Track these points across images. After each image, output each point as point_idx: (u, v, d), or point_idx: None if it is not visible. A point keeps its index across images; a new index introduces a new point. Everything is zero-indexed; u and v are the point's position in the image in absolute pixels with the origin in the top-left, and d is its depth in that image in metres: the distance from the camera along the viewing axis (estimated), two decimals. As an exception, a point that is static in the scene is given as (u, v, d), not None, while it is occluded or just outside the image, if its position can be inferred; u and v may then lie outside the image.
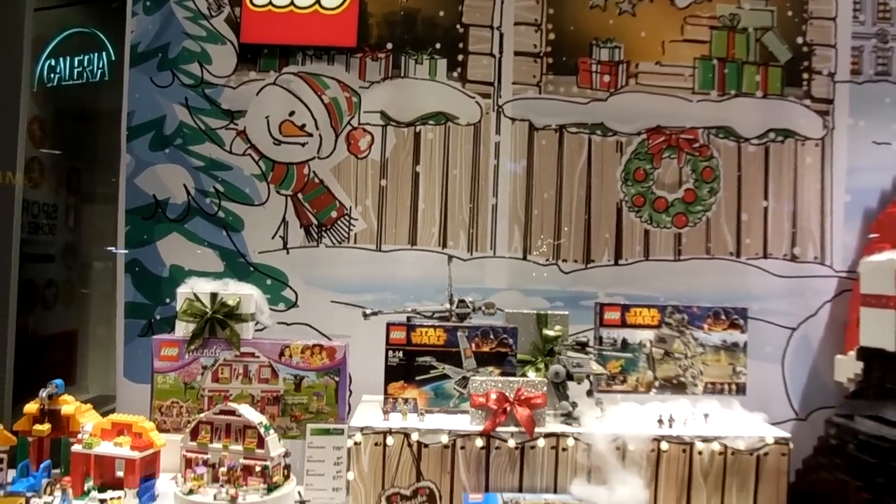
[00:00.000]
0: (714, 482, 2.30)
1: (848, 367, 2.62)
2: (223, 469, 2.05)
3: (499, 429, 2.27)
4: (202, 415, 2.18)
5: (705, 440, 2.30)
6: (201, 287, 2.48)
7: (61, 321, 3.51)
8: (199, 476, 2.06)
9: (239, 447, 2.08)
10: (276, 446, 2.06)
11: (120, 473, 2.16)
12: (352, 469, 2.25)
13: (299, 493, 2.11)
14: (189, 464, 2.14)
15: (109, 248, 2.91)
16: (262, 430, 2.05)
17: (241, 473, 2.04)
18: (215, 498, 1.99)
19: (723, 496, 2.30)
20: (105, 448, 2.17)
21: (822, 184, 2.95)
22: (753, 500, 2.31)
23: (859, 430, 2.32)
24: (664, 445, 2.28)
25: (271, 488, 2.03)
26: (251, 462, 2.05)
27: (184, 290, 2.48)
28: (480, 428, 2.27)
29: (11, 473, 2.21)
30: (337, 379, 2.41)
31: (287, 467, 2.14)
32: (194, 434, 2.17)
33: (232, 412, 2.10)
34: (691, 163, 2.94)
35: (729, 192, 2.95)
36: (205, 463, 2.12)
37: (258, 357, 2.42)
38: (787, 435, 2.34)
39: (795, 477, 2.42)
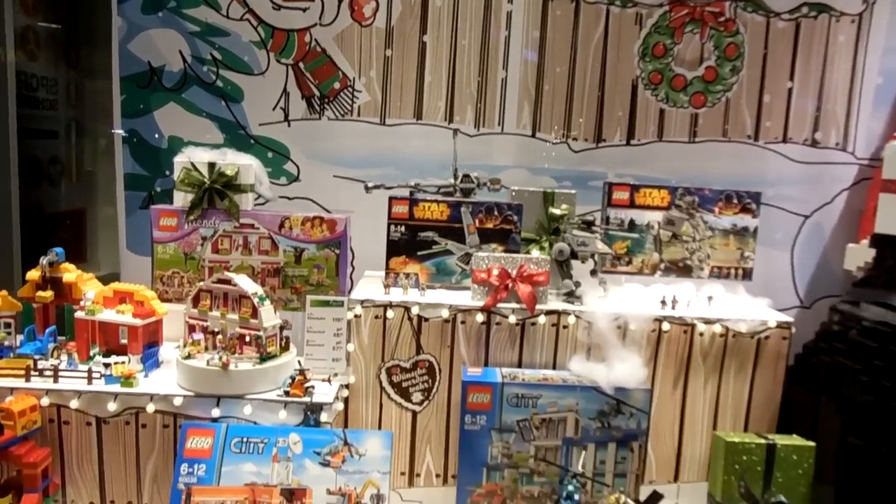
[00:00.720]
0: (713, 363, 2.31)
1: (859, 255, 2.57)
2: (220, 336, 2.06)
3: (500, 305, 2.26)
4: (202, 283, 2.17)
5: (707, 322, 2.28)
6: (199, 156, 2.41)
7: (68, 199, 3.46)
8: (197, 342, 2.08)
9: (235, 316, 2.07)
10: (270, 317, 2.05)
11: (124, 341, 2.18)
12: (352, 341, 2.26)
13: (299, 362, 2.12)
14: (191, 330, 2.16)
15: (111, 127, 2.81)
16: (255, 301, 2.04)
17: (237, 342, 2.05)
18: (208, 363, 2.00)
19: (720, 377, 2.31)
20: (108, 315, 2.18)
21: (854, 64, 2.78)
22: (751, 382, 2.32)
23: (863, 317, 2.29)
24: (665, 326, 2.27)
25: (264, 358, 2.04)
26: (246, 331, 2.05)
27: (181, 160, 2.42)
28: (481, 303, 2.25)
29: (19, 338, 2.23)
30: (337, 252, 2.38)
31: (285, 339, 2.14)
32: (196, 301, 2.17)
33: (228, 281, 2.08)
34: (715, 38, 2.76)
35: (752, 72, 2.79)
36: (204, 330, 2.13)
37: (258, 228, 2.39)
38: (790, 319, 2.33)
39: (794, 361, 2.43)
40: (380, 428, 2.31)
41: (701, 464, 2.34)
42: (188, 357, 2.04)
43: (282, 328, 2.11)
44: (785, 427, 2.28)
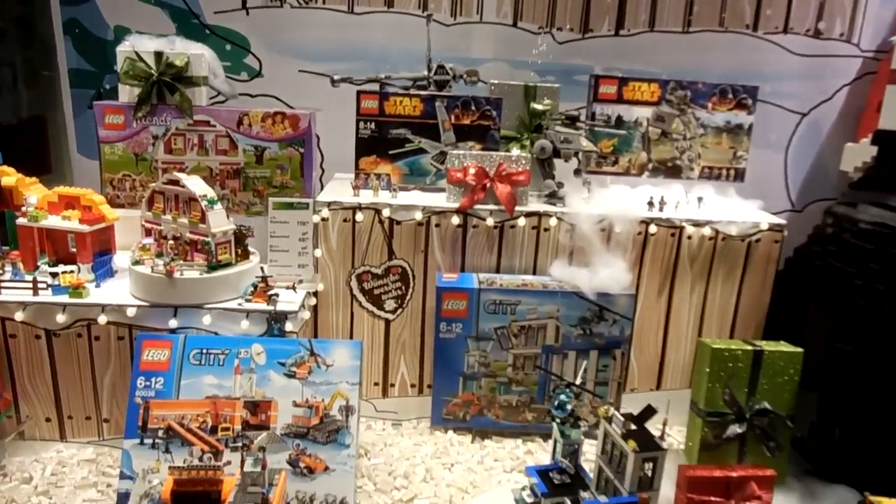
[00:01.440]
0: (700, 268, 2.20)
1: (858, 155, 2.43)
2: (171, 242, 1.90)
3: (477, 206, 2.11)
4: (154, 184, 1.99)
5: (696, 224, 2.16)
6: (144, 45, 2.17)
7: (26, 106, 3.19)
8: (147, 247, 1.92)
9: (185, 220, 1.91)
10: (220, 222, 1.88)
11: (74, 249, 2.02)
12: (319, 246, 2.12)
13: (262, 269, 1.98)
14: (147, 235, 2.00)
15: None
16: (204, 204, 1.86)
17: (189, 248, 1.89)
18: (152, 270, 1.85)
19: (708, 282, 2.21)
20: (53, 222, 2.01)
21: (864, -57, 2.55)
22: (739, 287, 2.23)
23: (860, 219, 2.17)
24: (652, 229, 2.14)
25: (214, 266, 1.89)
26: (196, 237, 1.89)
27: (124, 49, 2.18)
28: (457, 205, 2.10)
29: (-44, 248, 2.07)
30: (301, 150, 2.20)
31: (243, 246, 1.99)
32: (150, 203, 2.00)
33: (177, 182, 1.91)
34: (715, -87, 2.51)
35: (754, -48, 2.55)
36: (158, 235, 1.97)
37: (214, 126, 2.19)
38: (782, 221, 2.21)
39: (784, 265, 2.32)
40: (351, 338, 2.20)
41: (684, 371, 2.27)
42: (136, 263, 1.89)
43: (238, 234, 1.95)
44: (771, 334, 2.20)
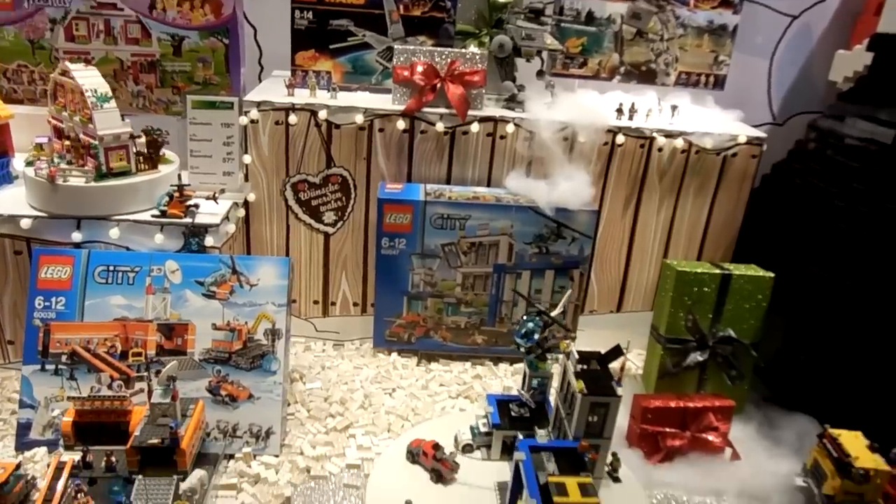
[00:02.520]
0: (670, 183, 2.01)
1: (850, 63, 2.21)
2: (67, 143, 1.66)
3: (425, 109, 1.88)
4: (54, 73, 1.73)
5: (668, 135, 1.95)
6: None
7: None
8: (40, 147, 1.68)
9: (78, 118, 1.66)
10: (111, 123, 1.62)
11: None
12: (249, 152, 1.89)
13: (179, 176, 1.76)
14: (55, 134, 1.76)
15: None
16: (91, 101, 1.60)
17: (84, 151, 1.65)
18: (35, 174, 1.62)
19: (677, 199, 2.04)
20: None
21: None
22: (710, 204, 2.06)
23: (846, 133, 1.99)
24: (620, 139, 1.94)
25: (103, 175, 1.65)
26: (87, 139, 1.65)
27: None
28: (403, 107, 1.87)
29: None
30: (226, 41, 1.93)
31: (155, 153, 1.75)
32: (54, 97, 1.74)
33: (65, 72, 1.64)
34: None
35: None
36: (60, 134, 1.72)
37: (122, 10, 1.90)
38: (763, 135, 2.02)
39: (760, 183, 2.15)
40: (287, 253, 2.01)
41: (647, 293, 2.13)
42: (28, 164, 1.66)
43: (150, 138, 1.71)
44: (742, 256, 2.05)
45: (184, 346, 1.61)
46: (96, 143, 1.60)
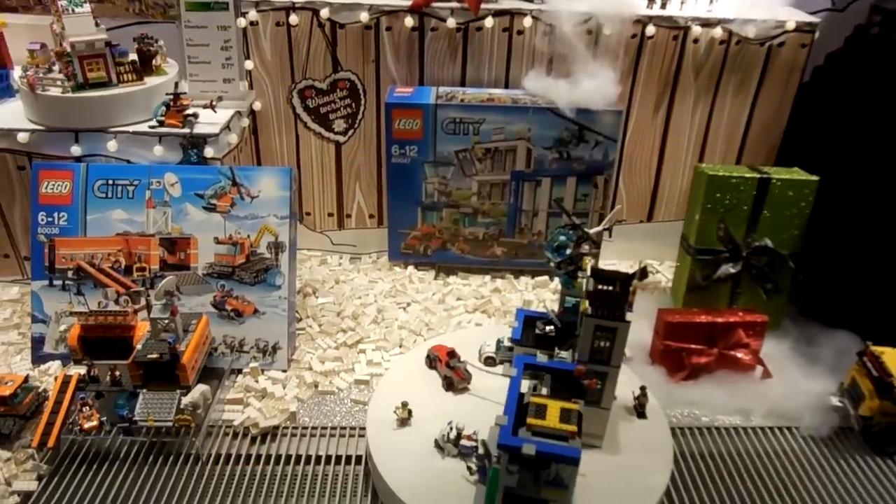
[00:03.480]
0: (707, 80, 1.83)
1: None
2: (56, 48, 1.58)
3: (434, 4, 1.73)
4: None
5: (705, 24, 1.76)
6: None
7: None
8: (34, 54, 1.61)
9: (58, 25, 1.57)
10: (82, 29, 1.51)
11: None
12: (251, 57, 1.78)
13: (176, 84, 1.67)
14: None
15: None
16: (61, 3, 1.48)
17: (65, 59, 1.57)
18: (20, 82, 1.56)
19: (715, 97, 1.85)
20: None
21: None
22: (752, 102, 1.87)
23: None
24: (650, 30, 1.75)
25: (81, 86, 1.57)
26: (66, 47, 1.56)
27: None
28: (410, 2, 1.72)
29: None
30: (219, -67, 1.79)
31: (146, 63, 1.67)
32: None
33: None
34: None
35: None
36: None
37: None
38: (815, 20, 1.79)
39: (811, 77, 1.93)
40: (298, 165, 1.93)
41: (680, 203, 1.98)
42: (23, 71, 1.60)
43: (141, 47, 1.62)
44: (786, 161, 1.87)
45: (187, 261, 1.58)
46: (68, 49, 1.52)
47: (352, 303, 1.81)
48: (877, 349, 1.46)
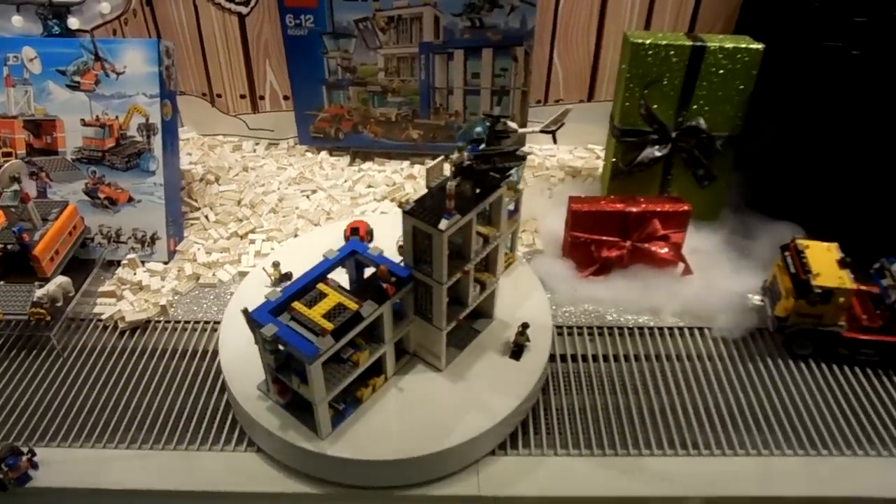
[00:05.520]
0: (655, -70, 1.57)
1: None
2: None
3: None
4: None
5: None
6: None
7: None
8: None
9: None
10: None
11: None
12: (128, -88, 1.58)
13: (36, -57, 1.50)
14: None
15: None
16: None
17: None
18: None
19: (664, -49, 1.59)
20: None
21: None
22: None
23: None
24: None
25: None
26: None
27: None
28: None
29: None
30: None
31: None
32: None
33: None
34: None
35: None
36: None
37: None
38: None
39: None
40: (201, 40, 1.76)
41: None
42: None
43: None
44: (744, 30, 1.62)
45: (54, 145, 1.46)
46: None
47: (253, 190, 1.69)
48: (802, 243, 1.29)
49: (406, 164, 1.78)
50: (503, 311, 1.22)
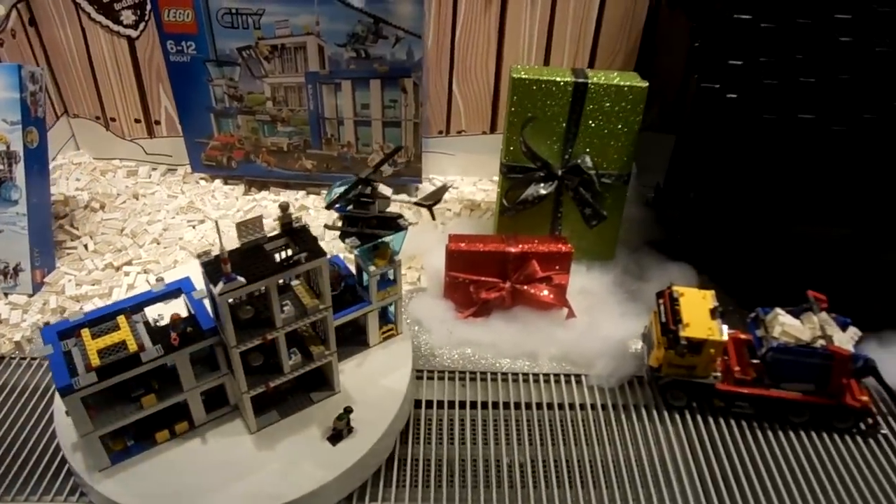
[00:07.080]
0: (551, -38, 1.53)
1: None
2: None
3: None
4: None
5: None
6: None
7: None
8: None
9: None
10: None
11: None
12: (8, -69, 1.53)
13: None
14: None
15: None
16: None
17: None
18: None
19: (562, -16, 1.56)
20: None
21: None
22: (615, -8, 1.57)
23: None
24: None
25: None
26: None
27: None
28: None
29: None
30: None
31: None
32: None
33: None
34: None
35: None
36: None
37: None
38: None
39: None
40: (91, 63, 1.70)
41: (520, 110, 1.72)
42: None
43: None
44: (647, 63, 1.59)
45: None
46: None
47: (138, 219, 1.63)
48: (678, 289, 1.24)
49: (301, 193, 1.72)
50: (357, 385, 1.12)
